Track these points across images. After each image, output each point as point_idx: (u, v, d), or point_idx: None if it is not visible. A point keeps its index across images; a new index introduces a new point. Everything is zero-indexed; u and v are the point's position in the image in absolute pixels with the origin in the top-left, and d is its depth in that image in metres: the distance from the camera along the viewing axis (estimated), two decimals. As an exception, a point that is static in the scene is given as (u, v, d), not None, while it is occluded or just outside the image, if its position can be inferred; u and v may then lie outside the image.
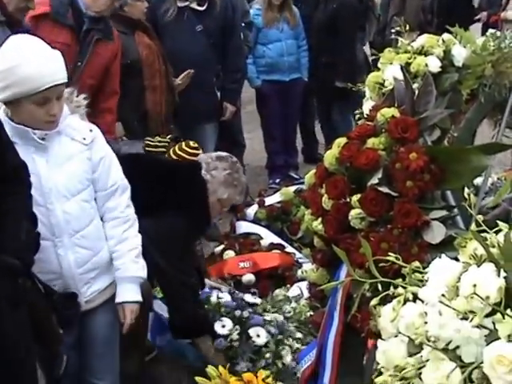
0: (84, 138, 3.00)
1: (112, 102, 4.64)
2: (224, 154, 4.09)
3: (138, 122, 5.01)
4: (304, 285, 4.44)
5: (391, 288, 1.59)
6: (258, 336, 3.86)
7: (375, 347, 2.77)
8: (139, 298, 3.12)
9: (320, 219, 2.44)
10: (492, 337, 1.35)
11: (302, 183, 6.25)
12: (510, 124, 2.91)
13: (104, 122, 4.26)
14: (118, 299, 3.09)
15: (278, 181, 7.24)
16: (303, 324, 4.04)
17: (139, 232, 3.15)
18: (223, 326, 3.87)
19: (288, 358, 3.85)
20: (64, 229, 2.96)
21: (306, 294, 4.32)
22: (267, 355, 3.82)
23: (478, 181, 4.68)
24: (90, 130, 3.04)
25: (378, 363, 1.57)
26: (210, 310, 3.95)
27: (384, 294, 1.49)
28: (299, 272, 4.64)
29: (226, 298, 4.07)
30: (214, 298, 4.04)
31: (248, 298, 4.13)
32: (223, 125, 6.48)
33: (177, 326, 3.81)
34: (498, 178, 4.74)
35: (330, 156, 2.42)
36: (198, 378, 3.29)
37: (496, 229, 1.52)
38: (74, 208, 2.97)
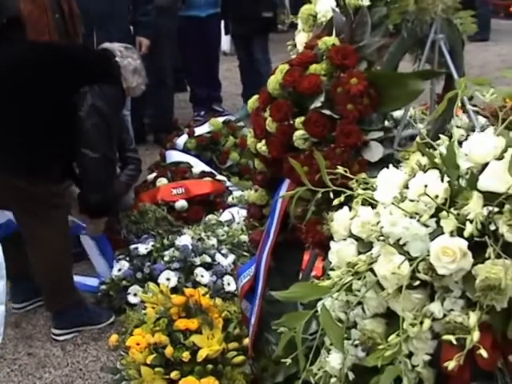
0: None
1: None
2: (129, 45, 4.13)
3: None
4: (235, 210, 4.61)
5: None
6: (168, 279, 3.88)
7: (310, 262, 2.97)
8: None
9: (264, 141, 2.58)
10: (435, 234, 1.54)
11: (227, 115, 6.38)
12: (429, 59, 3.07)
13: None
14: None
15: (202, 113, 7.33)
16: (236, 246, 4.21)
17: None
18: (135, 295, 3.87)
19: (205, 279, 3.91)
20: None
21: (237, 218, 4.51)
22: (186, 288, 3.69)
23: (398, 114, 4.93)
24: None
25: (330, 263, 1.75)
26: (117, 290, 3.95)
27: (344, 196, 1.65)
28: (230, 198, 4.80)
29: (123, 266, 4.06)
30: (115, 272, 4.04)
31: (142, 249, 4.11)
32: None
33: (90, 203, 3.75)
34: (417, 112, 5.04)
35: (273, 81, 2.55)
36: (141, 295, 3.41)
37: (437, 142, 1.70)
38: None
